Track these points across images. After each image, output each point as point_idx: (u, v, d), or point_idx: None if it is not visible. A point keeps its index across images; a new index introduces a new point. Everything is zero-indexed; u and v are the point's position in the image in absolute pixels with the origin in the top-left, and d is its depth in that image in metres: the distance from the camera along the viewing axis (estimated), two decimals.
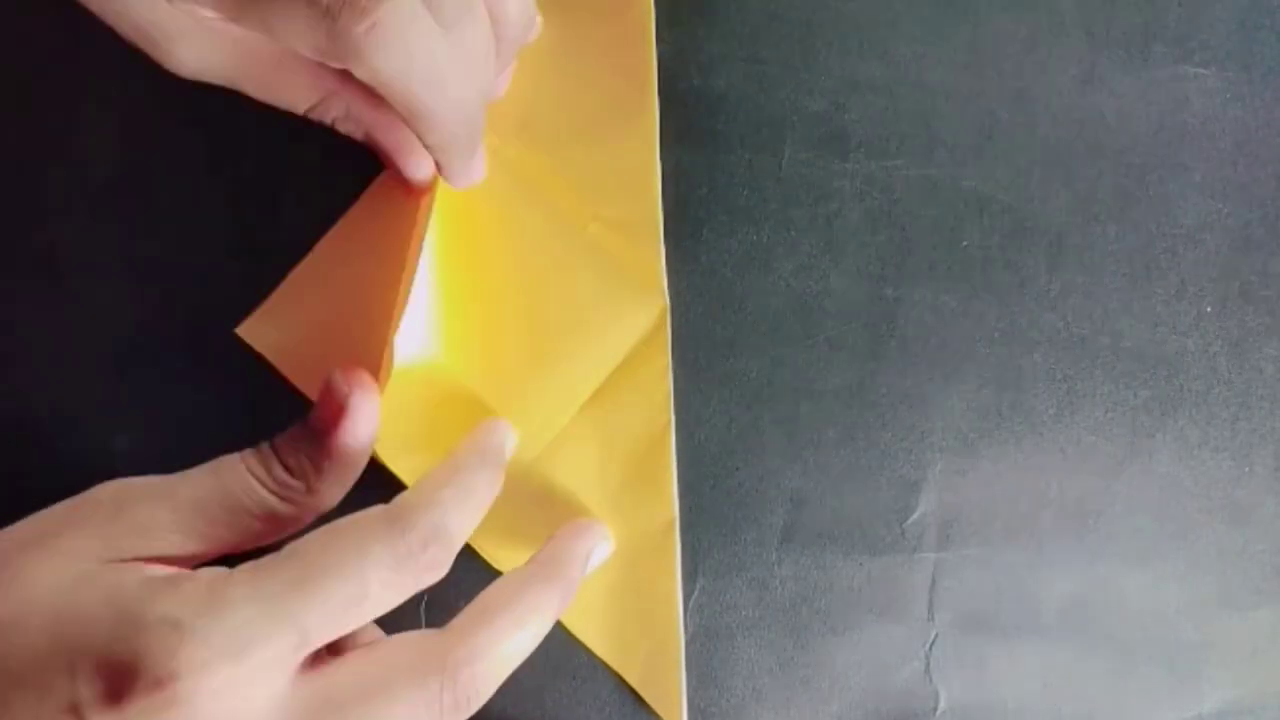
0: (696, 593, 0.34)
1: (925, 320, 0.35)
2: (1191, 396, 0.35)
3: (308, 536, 0.26)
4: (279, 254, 0.34)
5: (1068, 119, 0.35)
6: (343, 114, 0.32)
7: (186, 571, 0.26)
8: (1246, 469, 0.35)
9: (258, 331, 0.33)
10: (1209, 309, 0.35)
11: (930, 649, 0.34)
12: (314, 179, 0.34)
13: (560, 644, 0.34)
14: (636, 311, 0.34)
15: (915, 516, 0.34)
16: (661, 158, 0.34)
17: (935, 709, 0.35)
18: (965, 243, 0.35)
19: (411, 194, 0.33)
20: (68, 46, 0.34)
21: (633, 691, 0.34)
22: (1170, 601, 0.35)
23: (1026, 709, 0.35)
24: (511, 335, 0.33)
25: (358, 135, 0.32)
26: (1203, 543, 0.35)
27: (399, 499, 0.27)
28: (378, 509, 0.27)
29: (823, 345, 0.34)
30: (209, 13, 0.25)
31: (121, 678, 0.23)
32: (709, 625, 0.34)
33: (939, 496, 0.34)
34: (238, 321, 0.33)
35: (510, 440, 0.33)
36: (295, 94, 0.31)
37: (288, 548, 0.26)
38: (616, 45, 0.34)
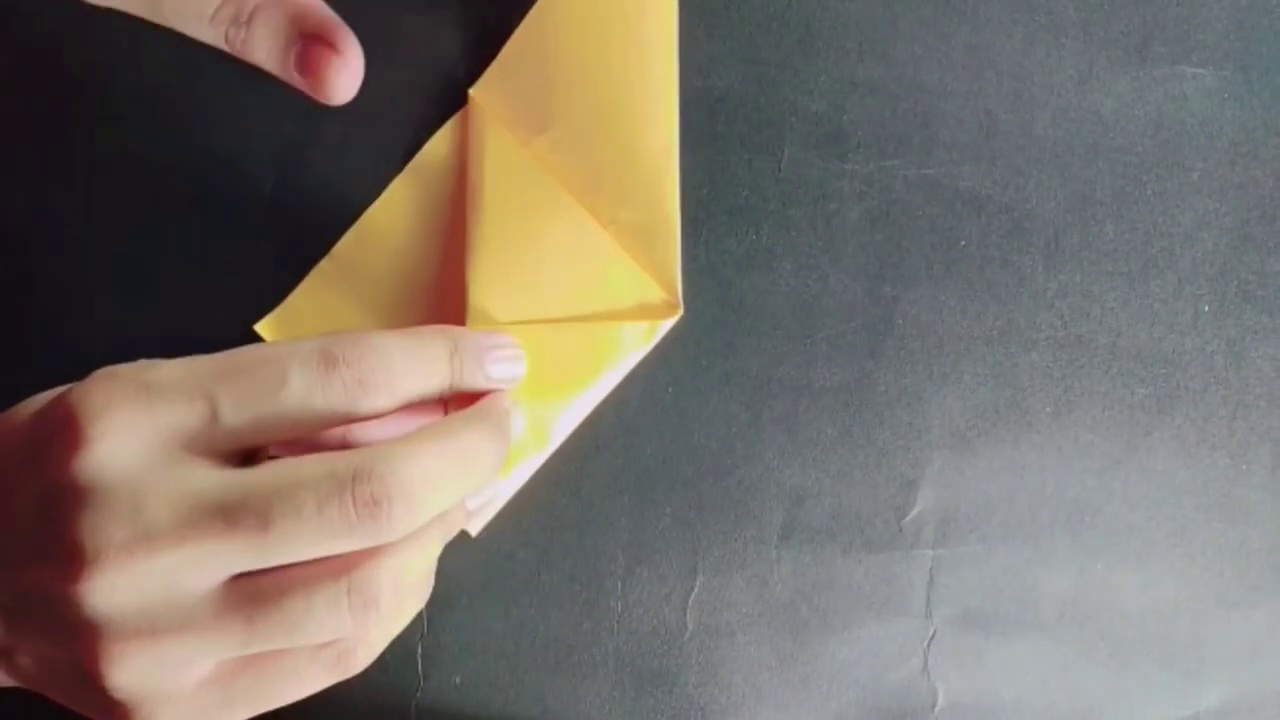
0: (696, 590, 0.34)
1: (923, 319, 0.35)
2: (1189, 395, 0.35)
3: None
4: (298, 252, 0.34)
5: (1066, 119, 0.35)
6: (265, 20, 0.29)
7: None
8: (1244, 467, 0.35)
9: (278, 329, 0.34)
10: (1206, 308, 0.35)
11: (928, 646, 0.35)
12: (332, 177, 0.34)
13: (560, 643, 0.34)
14: (652, 316, 0.34)
15: (913, 514, 0.35)
16: None
17: (934, 705, 0.35)
18: (963, 242, 0.35)
19: (430, 192, 0.33)
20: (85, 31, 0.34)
21: (632, 690, 0.34)
22: (1167, 599, 0.35)
23: (1024, 705, 0.35)
24: (527, 332, 0.33)
25: (275, 50, 0.29)
26: (1200, 540, 0.35)
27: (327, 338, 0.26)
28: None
29: (822, 344, 0.35)
30: None
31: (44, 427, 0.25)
32: (708, 622, 0.34)
33: (937, 494, 0.35)
34: (257, 318, 0.34)
35: (517, 419, 0.30)
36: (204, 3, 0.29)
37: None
38: (640, 48, 0.34)
